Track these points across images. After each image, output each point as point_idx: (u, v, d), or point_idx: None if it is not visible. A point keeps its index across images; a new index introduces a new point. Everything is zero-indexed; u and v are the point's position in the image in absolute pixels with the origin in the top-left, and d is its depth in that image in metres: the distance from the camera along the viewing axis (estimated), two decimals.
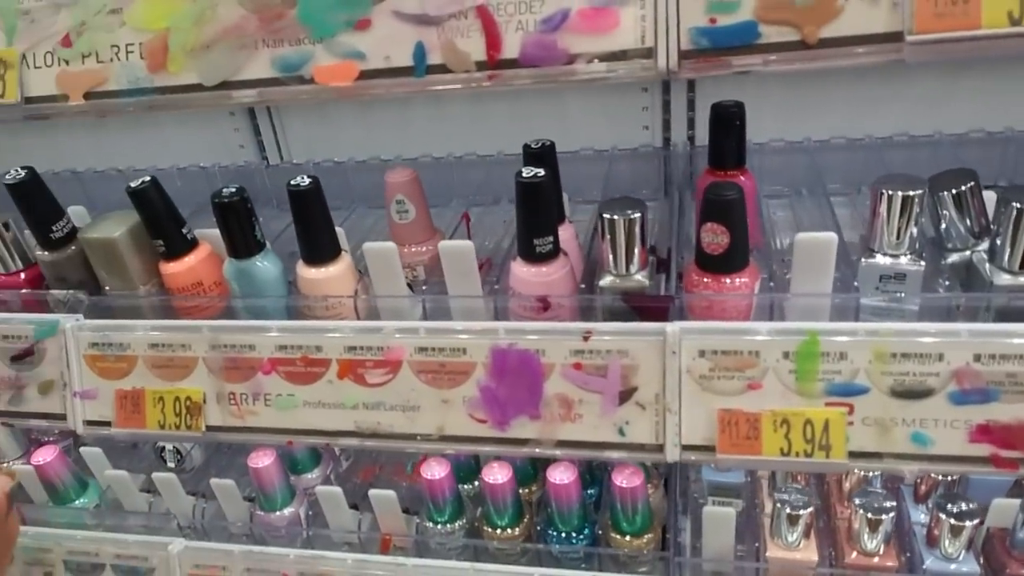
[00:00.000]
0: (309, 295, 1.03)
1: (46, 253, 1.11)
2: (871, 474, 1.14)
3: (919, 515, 1.11)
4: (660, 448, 0.90)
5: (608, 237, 0.92)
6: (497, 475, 1.12)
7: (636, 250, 0.92)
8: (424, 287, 1.11)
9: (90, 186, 1.53)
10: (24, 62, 0.96)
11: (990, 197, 0.93)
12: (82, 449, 1.36)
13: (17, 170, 1.06)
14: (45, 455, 1.33)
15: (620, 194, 1.28)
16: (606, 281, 0.94)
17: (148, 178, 1.03)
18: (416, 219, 1.12)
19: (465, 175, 1.36)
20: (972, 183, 0.91)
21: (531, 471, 1.28)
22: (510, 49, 0.81)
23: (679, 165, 1.28)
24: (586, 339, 0.89)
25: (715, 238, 0.87)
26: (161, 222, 1.05)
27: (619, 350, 0.88)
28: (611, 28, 0.78)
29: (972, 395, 0.80)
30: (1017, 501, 1.00)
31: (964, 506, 1.00)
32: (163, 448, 1.46)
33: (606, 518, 1.14)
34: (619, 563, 1.10)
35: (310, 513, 1.29)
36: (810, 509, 1.03)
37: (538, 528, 1.18)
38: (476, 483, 1.29)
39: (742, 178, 1.01)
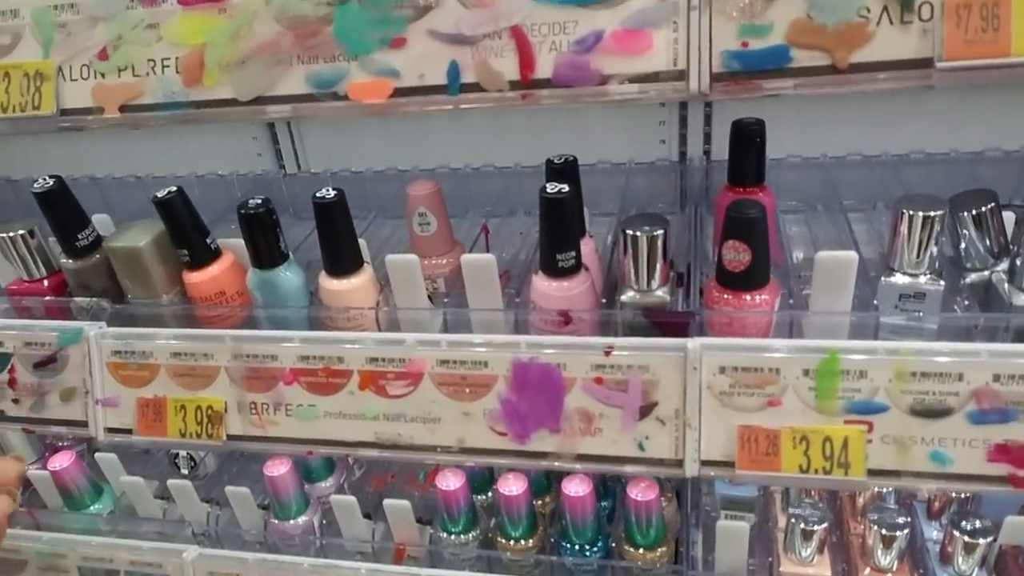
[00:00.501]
0: (331, 306, 1.04)
1: (71, 261, 1.12)
2: (885, 490, 1.15)
3: (932, 532, 1.12)
4: (679, 463, 0.90)
5: (630, 253, 0.92)
6: (512, 486, 1.12)
7: (658, 266, 0.93)
8: (445, 299, 1.12)
9: (109, 192, 1.54)
10: (60, 74, 0.97)
11: (1009, 217, 0.94)
12: (97, 455, 1.37)
13: (45, 179, 1.07)
14: (61, 461, 1.33)
15: (637, 207, 1.29)
16: (627, 296, 0.95)
17: (174, 188, 1.04)
18: (437, 231, 1.13)
19: (483, 186, 1.37)
20: (992, 204, 0.92)
21: (545, 483, 1.29)
22: (543, 69, 0.81)
23: (695, 179, 1.29)
24: (608, 354, 0.90)
25: (737, 255, 0.88)
26: (186, 232, 1.06)
27: (640, 365, 0.89)
28: (644, 50, 0.78)
29: (991, 415, 0.81)
30: None
31: (977, 523, 1.00)
32: (176, 454, 1.47)
33: (620, 531, 1.14)
34: None
35: (324, 522, 1.29)
36: (824, 524, 1.04)
37: (552, 540, 1.18)
38: (490, 494, 1.30)
39: (761, 195, 1.02)
